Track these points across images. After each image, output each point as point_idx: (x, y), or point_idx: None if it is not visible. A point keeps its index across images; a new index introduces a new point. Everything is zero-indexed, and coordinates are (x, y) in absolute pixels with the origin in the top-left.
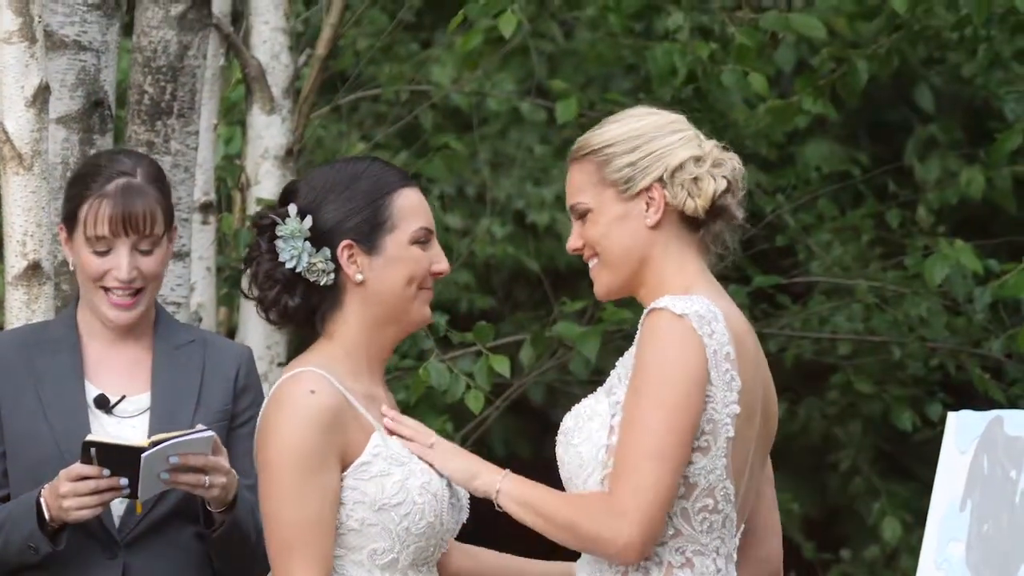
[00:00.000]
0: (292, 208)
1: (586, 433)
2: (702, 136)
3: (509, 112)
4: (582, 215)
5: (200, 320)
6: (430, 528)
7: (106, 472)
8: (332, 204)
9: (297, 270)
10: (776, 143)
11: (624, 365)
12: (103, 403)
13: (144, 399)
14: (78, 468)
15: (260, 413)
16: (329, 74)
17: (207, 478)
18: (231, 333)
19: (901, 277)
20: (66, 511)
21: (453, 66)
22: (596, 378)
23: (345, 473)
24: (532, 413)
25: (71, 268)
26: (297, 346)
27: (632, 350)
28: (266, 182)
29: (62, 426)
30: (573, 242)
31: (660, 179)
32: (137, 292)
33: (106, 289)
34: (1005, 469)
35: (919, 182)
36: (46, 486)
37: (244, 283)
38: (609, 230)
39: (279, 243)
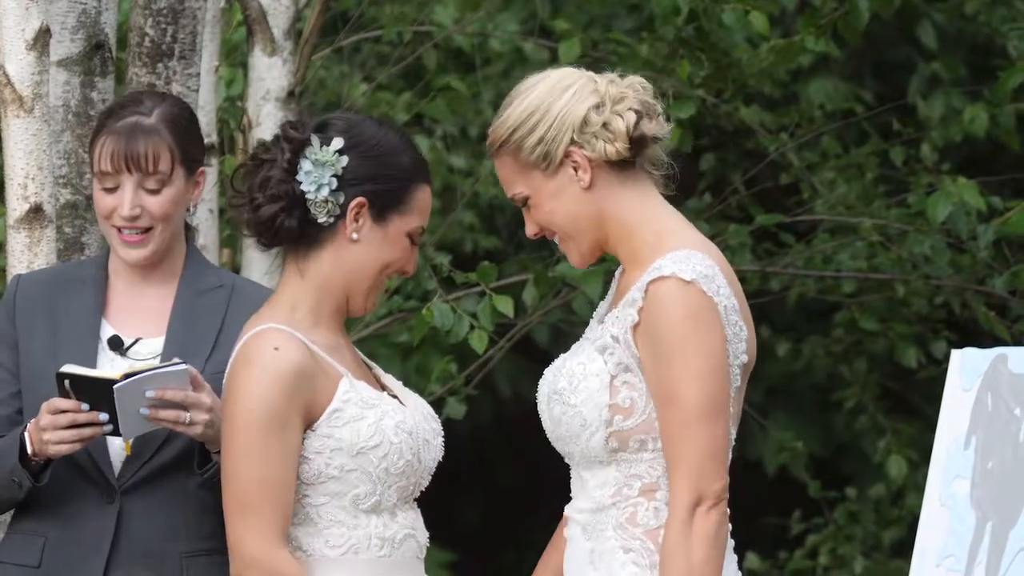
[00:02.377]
0: (338, 140)
1: (584, 393)
2: (596, 78)
3: (512, 52)
4: (524, 203)
5: None
6: (409, 467)
7: (85, 406)
8: (372, 159)
9: (307, 196)
10: (779, 81)
11: (619, 326)
12: (117, 344)
13: (159, 343)
14: (56, 401)
15: (227, 369)
16: (331, 15)
17: (187, 414)
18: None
19: (904, 215)
20: (45, 444)
21: (455, 7)
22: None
23: (318, 423)
24: (537, 353)
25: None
26: None
27: (628, 311)
28: (267, 124)
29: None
30: (530, 229)
31: (572, 141)
32: (147, 231)
33: (117, 228)
34: (1009, 406)
35: (923, 120)
36: (32, 420)
37: (237, 180)
38: (553, 207)
39: (304, 163)
